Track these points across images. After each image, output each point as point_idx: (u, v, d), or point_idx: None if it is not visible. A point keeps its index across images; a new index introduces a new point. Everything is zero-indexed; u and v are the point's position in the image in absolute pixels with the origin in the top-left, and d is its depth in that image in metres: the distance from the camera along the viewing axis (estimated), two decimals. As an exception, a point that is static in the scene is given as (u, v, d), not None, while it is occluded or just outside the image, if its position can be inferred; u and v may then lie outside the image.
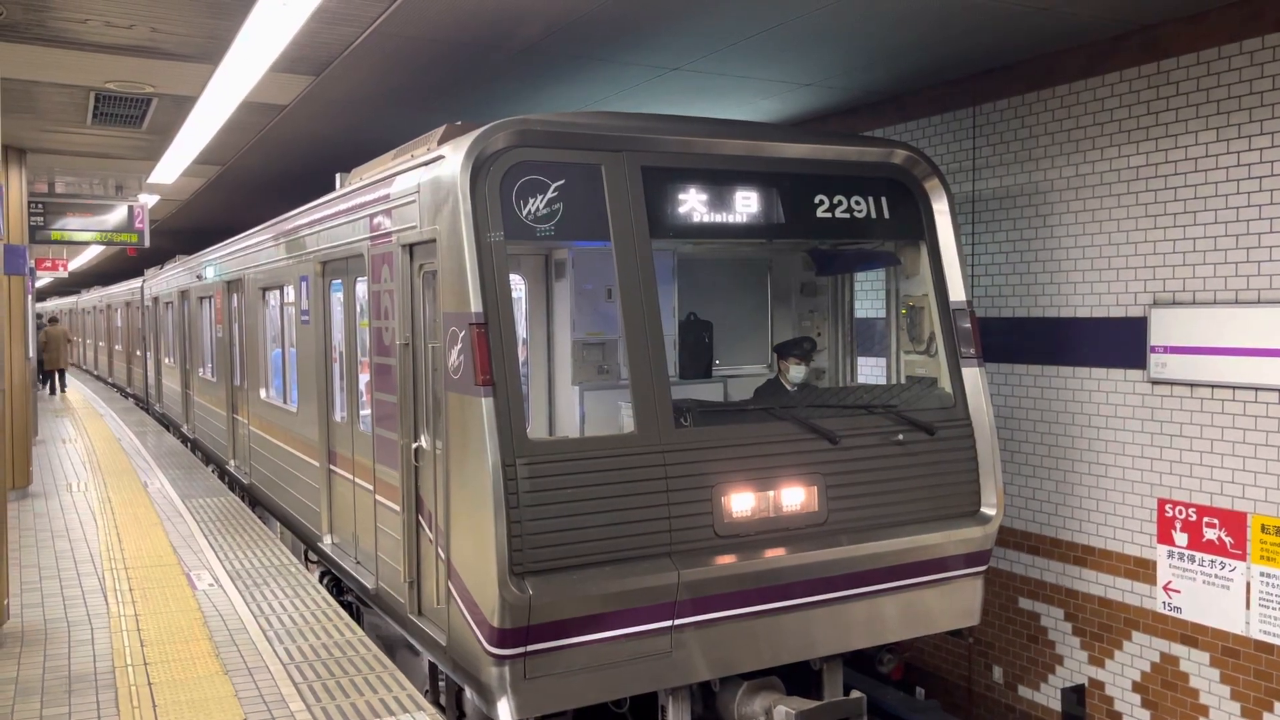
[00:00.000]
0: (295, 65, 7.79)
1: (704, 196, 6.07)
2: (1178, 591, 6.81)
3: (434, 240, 5.76)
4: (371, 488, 7.19)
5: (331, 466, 8.36)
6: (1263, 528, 6.29)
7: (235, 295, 12.49)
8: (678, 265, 7.69)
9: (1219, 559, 6.54)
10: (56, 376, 26.06)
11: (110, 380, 31.51)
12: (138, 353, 24.26)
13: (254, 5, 6.39)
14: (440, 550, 5.91)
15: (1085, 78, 7.26)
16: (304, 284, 8.95)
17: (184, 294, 16.83)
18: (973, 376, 6.71)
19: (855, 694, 6.20)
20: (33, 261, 15.31)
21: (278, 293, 10.43)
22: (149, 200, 16.02)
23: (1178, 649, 6.84)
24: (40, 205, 14.27)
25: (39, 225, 14.12)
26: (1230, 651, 6.53)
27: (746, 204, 6.22)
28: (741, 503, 5.82)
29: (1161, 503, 6.90)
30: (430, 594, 6.17)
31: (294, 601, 7.33)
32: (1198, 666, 6.72)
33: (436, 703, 6.57)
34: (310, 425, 8.83)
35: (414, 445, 6.35)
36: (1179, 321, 6.68)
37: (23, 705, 5.47)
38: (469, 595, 5.44)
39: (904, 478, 6.37)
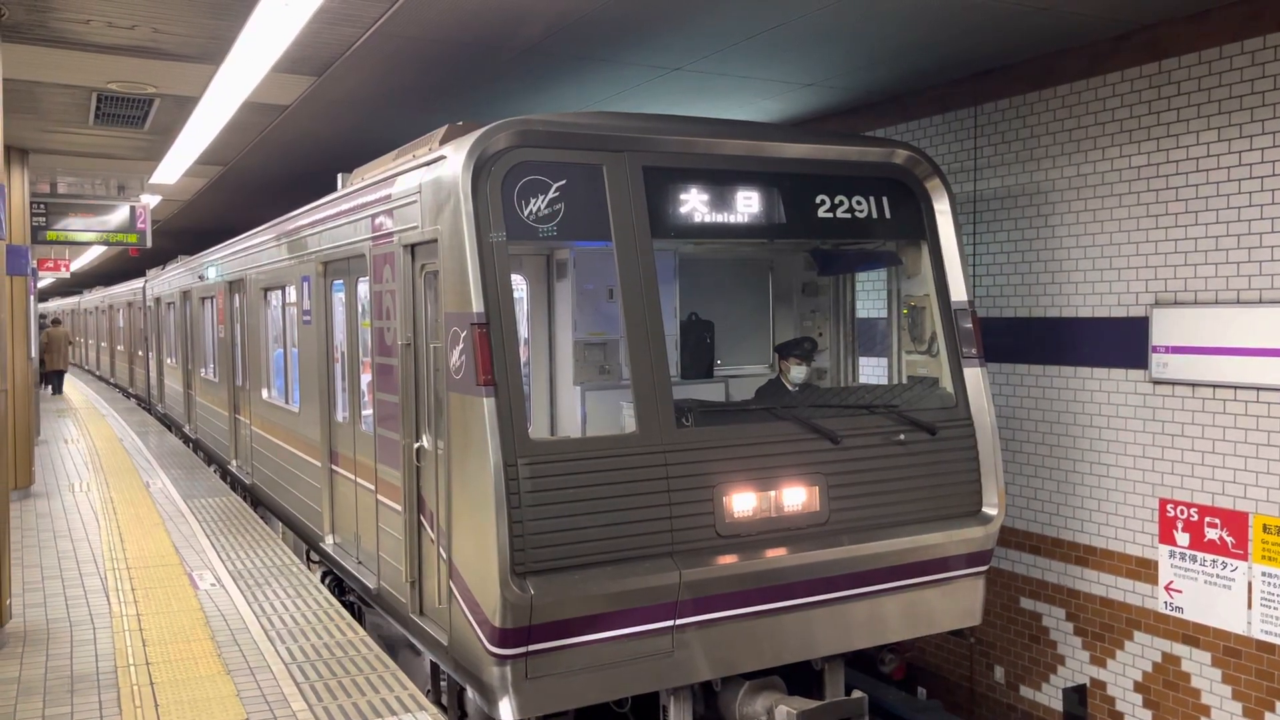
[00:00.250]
0: (297, 65, 7.80)
1: (705, 196, 6.07)
2: (1179, 591, 6.81)
3: (435, 240, 5.76)
4: (373, 488, 7.19)
5: (333, 466, 8.36)
6: (1264, 528, 6.29)
7: (237, 296, 12.49)
8: (679, 265, 7.70)
9: (1220, 559, 6.54)
10: (56, 377, 26.09)
11: (112, 381, 31.51)
12: (140, 353, 24.26)
13: (256, 6, 6.39)
14: (442, 550, 5.91)
15: (1086, 77, 7.26)
16: (306, 284, 8.96)
17: (186, 294, 16.83)
18: (974, 376, 6.71)
19: (857, 694, 6.21)
20: (35, 262, 15.30)
21: (279, 293, 10.42)
22: (151, 201, 16.04)
23: (1179, 649, 6.84)
24: (42, 206, 14.29)
25: (41, 226, 14.14)
26: (1232, 651, 6.53)
27: (748, 204, 6.22)
28: (743, 503, 5.82)
29: (1163, 503, 6.89)
30: (432, 594, 6.17)
31: (296, 601, 7.34)
32: (1199, 666, 6.72)
33: (438, 703, 6.57)
34: (312, 425, 8.84)
35: (416, 445, 6.35)
36: (1180, 321, 6.67)
37: (25, 705, 5.48)
38: (471, 595, 5.45)
39: (905, 478, 6.37)
